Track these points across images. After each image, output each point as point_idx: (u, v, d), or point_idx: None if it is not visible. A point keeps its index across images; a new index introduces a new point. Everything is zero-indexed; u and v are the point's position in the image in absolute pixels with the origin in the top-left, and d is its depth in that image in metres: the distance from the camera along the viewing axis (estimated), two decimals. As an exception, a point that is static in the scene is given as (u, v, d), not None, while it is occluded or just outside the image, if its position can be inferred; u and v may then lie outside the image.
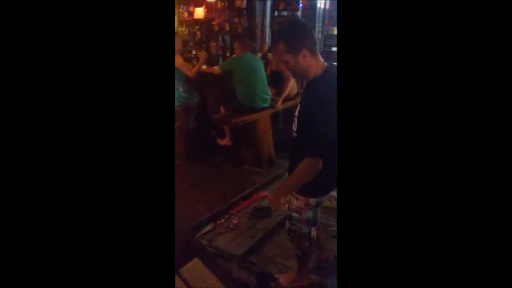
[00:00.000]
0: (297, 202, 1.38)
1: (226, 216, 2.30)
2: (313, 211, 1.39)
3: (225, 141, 3.18)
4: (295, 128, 1.28)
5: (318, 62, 1.22)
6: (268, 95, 3.01)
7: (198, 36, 4.82)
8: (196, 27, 4.84)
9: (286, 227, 1.48)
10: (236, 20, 4.28)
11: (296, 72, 1.25)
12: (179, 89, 2.97)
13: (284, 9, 4.07)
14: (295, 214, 1.41)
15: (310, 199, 1.35)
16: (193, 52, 3.95)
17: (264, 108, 2.98)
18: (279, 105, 3.08)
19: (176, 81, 2.92)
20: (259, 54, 3.91)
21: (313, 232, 1.45)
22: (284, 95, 3.06)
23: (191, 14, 4.76)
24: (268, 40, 4.14)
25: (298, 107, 1.28)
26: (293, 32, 1.17)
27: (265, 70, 3.21)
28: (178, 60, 2.88)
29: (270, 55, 3.71)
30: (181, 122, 2.96)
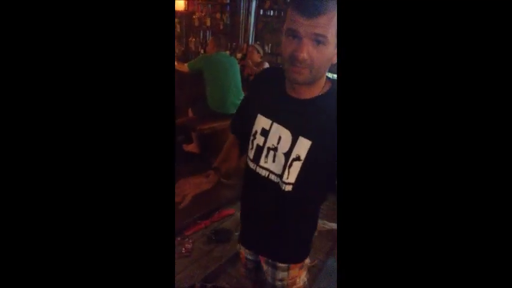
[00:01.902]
0: (291, 272, 0.95)
1: (179, 238, 1.99)
2: (306, 271, 1.01)
3: (190, 148, 2.85)
4: (292, 177, 0.77)
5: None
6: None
7: (178, 30, 4.45)
8: (176, 20, 4.46)
9: None
10: (218, 15, 4.00)
11: (316, 71, 0.69)
12: None
13: (270, 8, 3.78)
14: (286, 285, 0.99)
15: (305, 261, 0.98)
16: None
17: (236, 115, 2.71)
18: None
19: None
20: (239, 55, 3.65)
21: None
22: None
23: (172, 4, 4.07)
24: (251, 40, 3.84)
25: (304, 141, 0.75)
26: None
27: (242, 73, 2.90)
28: None
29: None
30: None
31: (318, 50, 0.66)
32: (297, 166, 0.77)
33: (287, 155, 0.78)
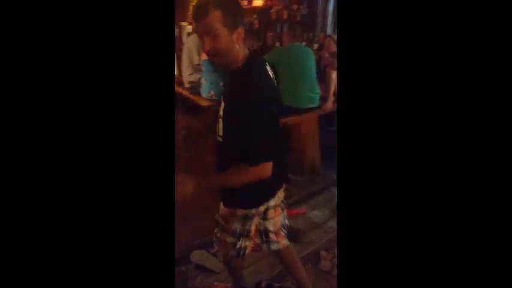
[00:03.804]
0: (223, 209, 1.20)
1: None
2: (240, 223, 1.16)
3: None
4: (221, 132, 1.05)
5: (244, 49, 1.00)
6: (316, 93, 2.55)
7: (256, 26, 4.48)
8: (254, 15, 4.51)
9: (215, 231, 1.28)
10: (295, 6, 3.94)
11: (224, 57, 0.94)
12: (219, 84, 2.65)
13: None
14: (220, 220, 1.22)
15: (237, 210, 1.15)
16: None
17: (310, 109, 2.52)
18: (329, 106, 2.56)
19: (215, 74, 2.64)
20: (316, 46, 3.47)
21: (244, 243, 1.21)
22: (332, 90, 2.54)
23: (250, 1, 4.49)
24: (329, 30, 3.75)
25: (223, 104, 1.02)
26: (234, 2, 0.94)
27: (319, 64, 2.73)
28: None
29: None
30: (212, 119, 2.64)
31: (216, 40, 0.90)
32: (221, 122, 1.04)
33: (219, 117, 1.05)
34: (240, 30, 0.94)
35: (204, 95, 2.68)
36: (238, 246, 1.22)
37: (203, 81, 2.68)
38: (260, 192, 1.12)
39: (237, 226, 1.17)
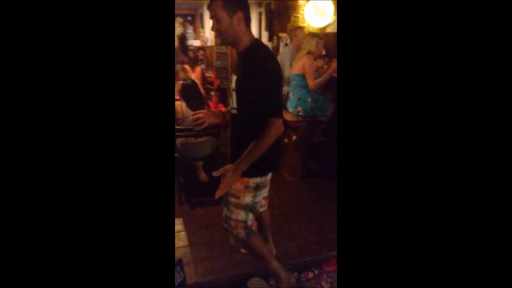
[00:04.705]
0: (236, 185, 1.28)
1: (316, 271, 1.70)
2: (252, 195, 1.30)
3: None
4: (235, 104, 1.25)
5: (250, 34, 1.22)
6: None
7: None
8: None
9: (223, 214, 1.38)
10: None
11: (227, 36, 1.20)
12: (307, 100, 2.56)
13: None
14: (232, 199, 1.32)
15: (250, 180, 1.27)
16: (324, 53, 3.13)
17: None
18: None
19: (304, 90, 2.54)
20: None
21: (251, 221, 1.36)
22: None
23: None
24: None
25: (235, 80, 1.25)
26: None
27: None
28: (308, 63, 2.43)
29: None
30: (301, 136, 2.61)
31: (219, 24, 1.18)
32: (234, 95, 1.25)
33: (233, 90, 1.27)
34: (240, 14, 1.17)
35: (290, 109, 2.63)
36: (249, 224, 1.33)
37: (291, 96, 2.64)
38: (271, 158, 1.26)
39: (248, 200, 1.31)
